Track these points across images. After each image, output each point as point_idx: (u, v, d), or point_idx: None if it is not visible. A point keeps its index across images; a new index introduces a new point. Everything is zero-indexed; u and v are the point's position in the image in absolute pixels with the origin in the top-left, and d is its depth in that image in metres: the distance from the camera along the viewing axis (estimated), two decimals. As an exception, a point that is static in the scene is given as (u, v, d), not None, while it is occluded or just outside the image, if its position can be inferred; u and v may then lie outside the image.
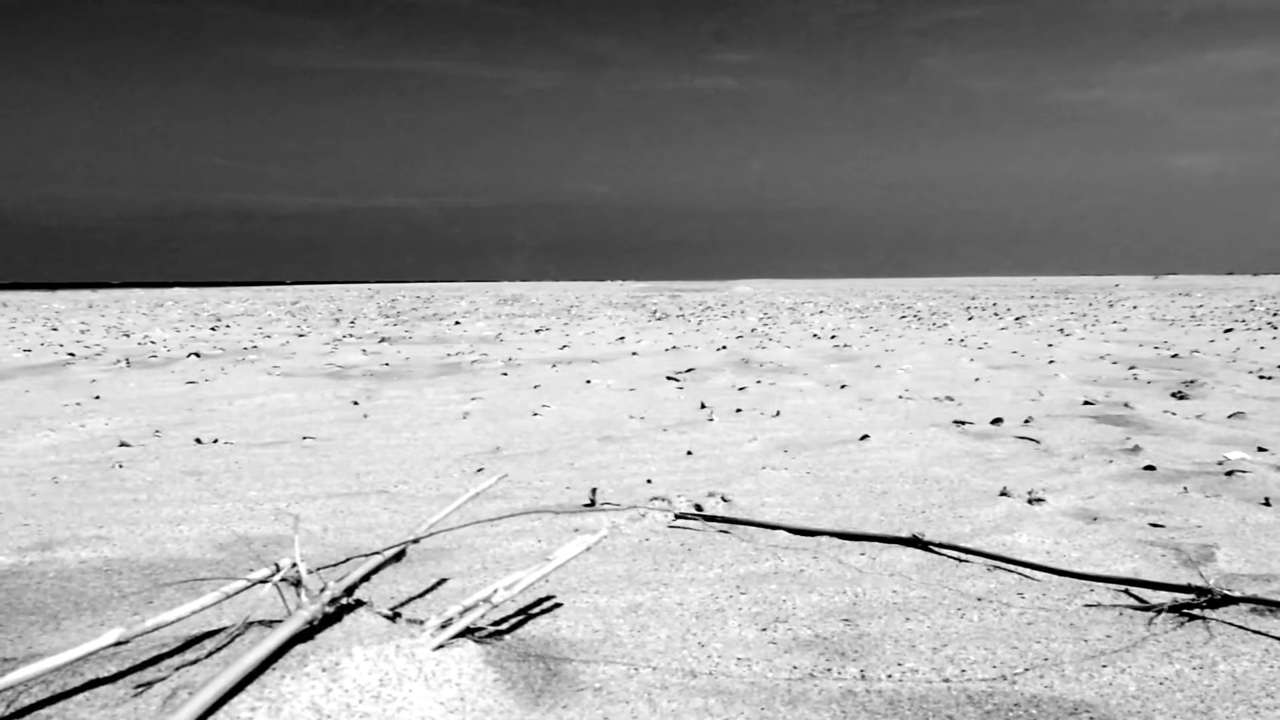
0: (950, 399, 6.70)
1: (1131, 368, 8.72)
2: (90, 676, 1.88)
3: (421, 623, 1.96)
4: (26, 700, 1.75)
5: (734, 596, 2.59)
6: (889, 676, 2.05)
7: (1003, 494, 3.74)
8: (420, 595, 2.59)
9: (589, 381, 8.05)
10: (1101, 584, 2.66)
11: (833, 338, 13.09)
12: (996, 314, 19.29)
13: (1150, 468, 4.21)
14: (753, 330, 14.92)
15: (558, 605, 2.50)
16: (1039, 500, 3.62)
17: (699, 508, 3.54)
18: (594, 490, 3.75)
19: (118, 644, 1.74)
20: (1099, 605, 2.49)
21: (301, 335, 14.61)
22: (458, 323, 18.09)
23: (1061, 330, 14.03)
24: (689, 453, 4.74)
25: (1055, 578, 2.73)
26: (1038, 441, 4.94)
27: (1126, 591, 2.60)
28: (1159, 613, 2.42)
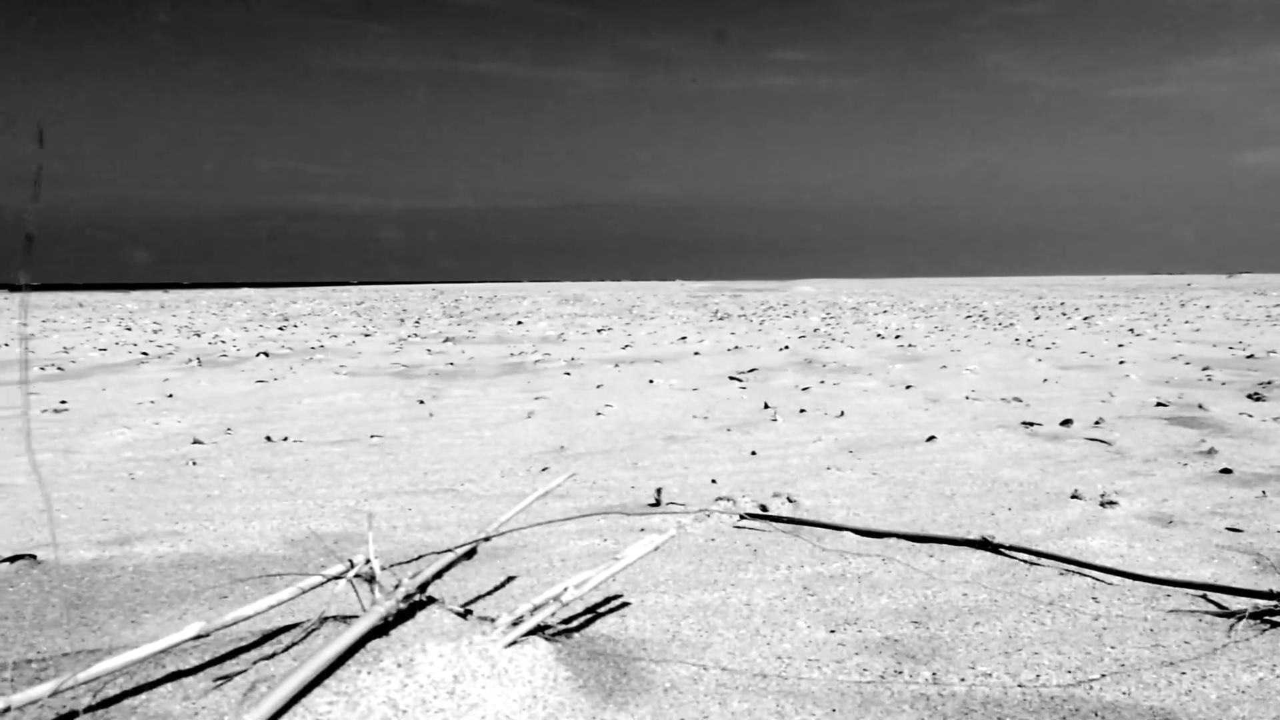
0: (1018, 400, 6.61)
1: (1205, 368, 8.54)
2: (172, 669, 1.92)
3: (492, 620, 1.97)
4: (112, 690, 1.79)
5: (802, 598, 2.58)
6: (961, 680, 2.03)
7: (1074, 497, 3.68)
8: (489, 593, 2.62)
9: (651, 381, 8.06)
10: (1179, 589, 2.61)
11: (897, 338, 12.97)
12: (1064, 314, 18.98)
13: (1227, 471, 4.11)
14: (815, 330, 14.84)
15: (625, 604, 2.51)
16: (1111, 503, 3.56)
17: (764, 508, 3.52)
18: (659, 490, 3.75)
19: (198, 637, 1.77)
20: (1176, 611, 2.44)
21: (367, 335, 14.80)
22: (520, 322, 18.21)
23: (1132, 330, 13.77)
24: (753, 453, 4.72)
25: (1130, 582, 2.68)
26: (1109, 443, 4.85)
27: (1204, 597, 2.54)
28: (1239, 619, 2.37)
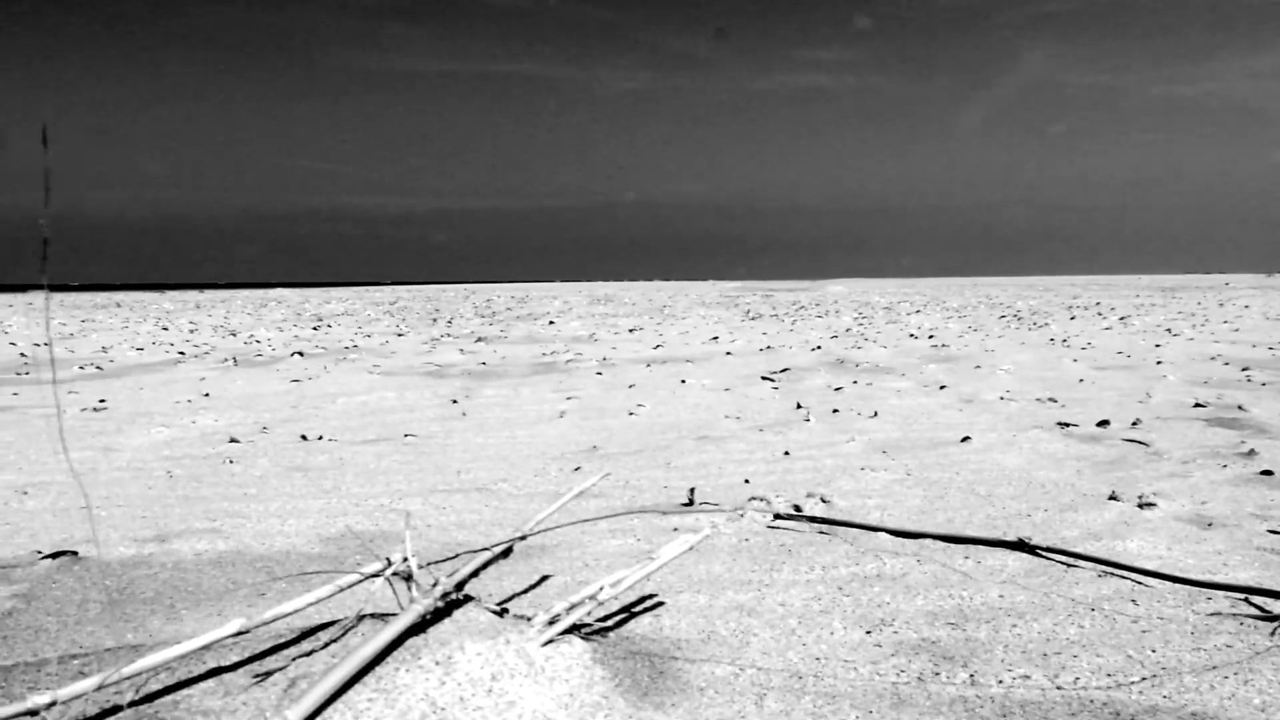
0: (1053, 400, 6.55)
1: (1244, 369, 8.43)
2: (212, 664, 1.94)
3: (529, 619, 1.98)
4: (154, 686, 1.81)
5: (837, 598, 2.57)
6: (999, 682, 2.02)
7: (1111, 498, 3.64)
8: (524, 591, 2.62)
9: (683, 381, 8.06)
10: (1220, 592, 2.58)
11: (930, 337, 12.90)
12: (1100, 313, 18.80)
13: (1268, 472, 4.06)
14: (847, 330, 14.78)
15: (660, 604, 2.51)
16: (1150, 505, 3.52)
17: (798, 508, 3.52)
18: (692, 490, 3.75)
19: (239, 634, 1.79)
20: (1218, 614, 2.41)
21: (400, 335, 14.88)
22: (552, 322, 18.25)
23: (1169, 330, 13.62)
24: (786, 453, 4.71)
25: (1170, 585, 2.65)
26: (1146, 444, 4.80)
27: (1246, 600, 2.51)
28: (1282, 623, 2.34)
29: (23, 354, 11.62)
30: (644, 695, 1.90)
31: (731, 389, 7.53)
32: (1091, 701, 1.91)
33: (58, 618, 2.49)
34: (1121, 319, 16.65)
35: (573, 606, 2.02)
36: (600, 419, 6.03)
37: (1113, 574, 2.75)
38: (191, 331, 16.15)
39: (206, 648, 1.83)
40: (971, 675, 2.05)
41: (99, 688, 1.59)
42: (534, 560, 2.95)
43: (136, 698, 1.75)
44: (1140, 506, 3.51)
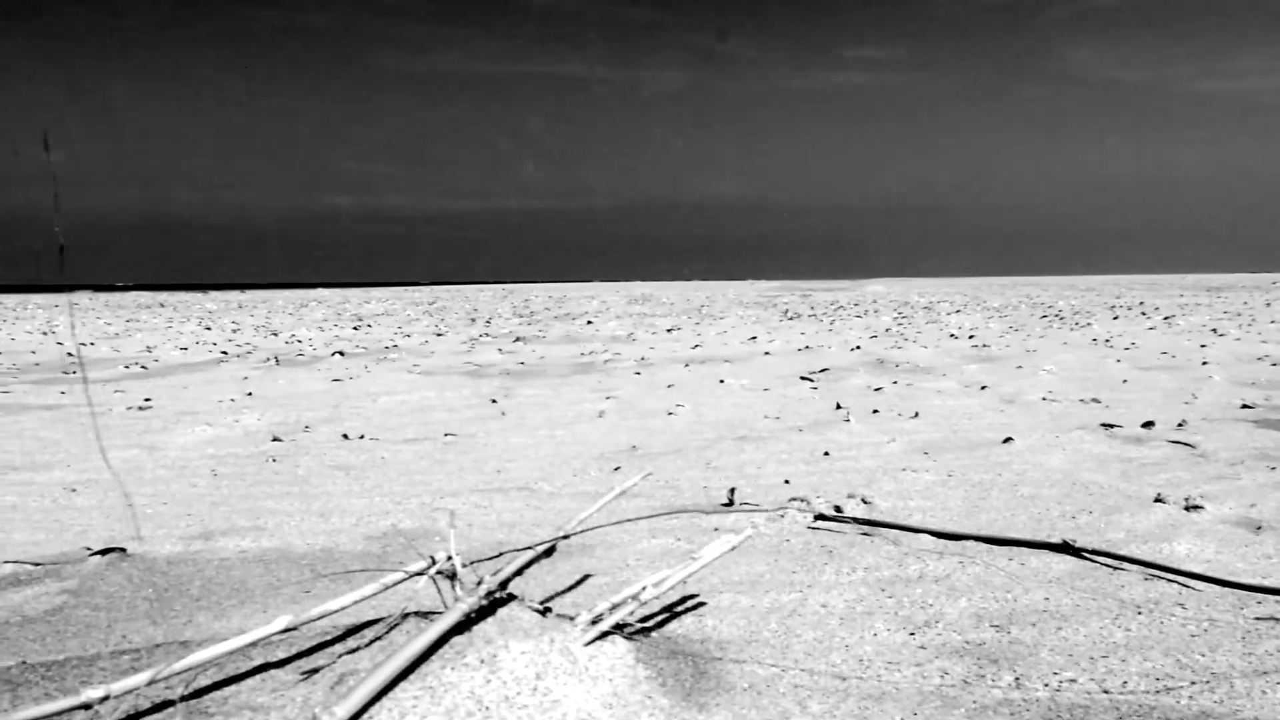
0: (1097, 401, 6.48)
1: (1293, 370, 8.30)
2: (259, 661, 1.96)
3: (572, 618, 1.99)
4: (203, 681, 1.84)
5: (880, 600, 2.56)
6: (1045, 685, 2.00)
7: (1157, 500, 3.60)
8: (566, 590, 2.63)
9: (722, 381, 8.05)
10: (1271, 596, 2.54)
11: (971, 337, 12.80)
12: (1144, 313, 18.57)
13: (1318, 475, 4.00)
14: (887, 330, 14.69)
15: (701, 604, 2.51)
16: (1196, 507, 3.47)
17: (839, 509, 3.50)
18: (732, 490, 3.75)
19: (286, 630, 1.81)
20: (1269, 619, 2.38)
21: (440, 335, 14.97)
22: (590, 322, 18.29)
23: (1214, 330, 13.43)
24: (826, 453, 4.69)
25: (1218, 589, 2.62)
26: (1193, 446, 4.74)
27: (1298, 605, 2.47)
28: (1335, 628, 2.30)
29: (69, 354, 11.79)
30: (687, 696, 1.90)
31: (770, 389, 7.51)
32: (1140, 706, 1.89)
33: (107, 613, 2.52)
34: (1166, 319, 16.44)
35: (615, 606, 2.02)
36: (639, 419, 6.03)
37: (1160, 577, 2.71)
38: (234, 331, 16.33)
39: (254, 644, 1.85)
40: (1017, 678, 2.04)
41: (150, 683, 1.62)
42: (575, 559, 2.96)
43: (186, 692, 1.77)
44: (1187, 509, 3.47)
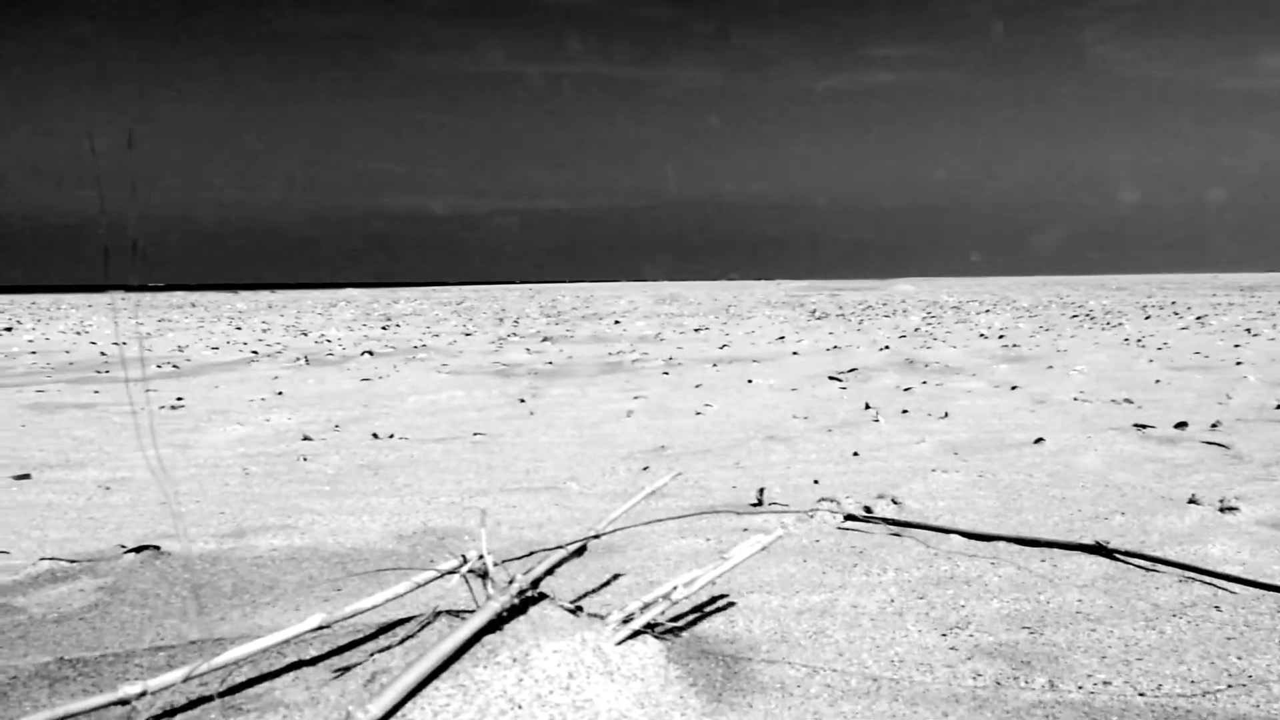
0: (1129, 401, 6.43)
1: (1329, 370, 8.20)
2: (292, 659, 1.98)
3: (603, 617, 1.99)
4: (238, 678, 1.85)
5: (911, 601, 2.54)
6: (1080, 688, 1.98)
7: (1191, 501, 3.56)
8: (596, 590, 2.64)
9: (750, 381, 8.03)
10: (1308, 599, 2.51)
11: (1001, 337, 12.72)
12: (1176, 313, 18.40)
13: (1356, 477, 3.95)
14: (916, 330, 14.62)
15: (731, 604, 2.51)
16: (1232, 509, 3.44)
17: (868, 510, 3.49)
18: (761, 490, 3.74)
19: (319, 628, 1.82)
20: (1306, 621, 2.35)
21: (468, 334, 15.02)
22: (617, 322, 18.30)
23: (1248, 330, 13.28)
24: (855, 454, 4.68)
25: (1254, 591, 2.59)
26: (1227, 447, 4.69)
27: (1336, 608, 2.44)
28: (1374, 631, 2.27)
29: (103, 353, 11.91)
30: (718, 696, 1.90)
31: (799, 389, 7.49)
32: (1176, 709, 1.87)
33: (142, 610, 2.55)
34: (1198, 318, 16.27)
35: (646, 605, 2.02)
36: (667, 419, 6.03)
37: (1195, 579, 2.69)
38: (264, 331, 16.45)
39: (288, 641, 1.86)
40: (1051, 680, 2.02)
41: (186, 679, 1.63)
42: (604, 559, 2.96)
43: (222, 689, 1.79)
44: (1222, 510, 3.43)
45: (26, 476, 4.35)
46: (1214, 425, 5.34)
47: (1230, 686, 1.98)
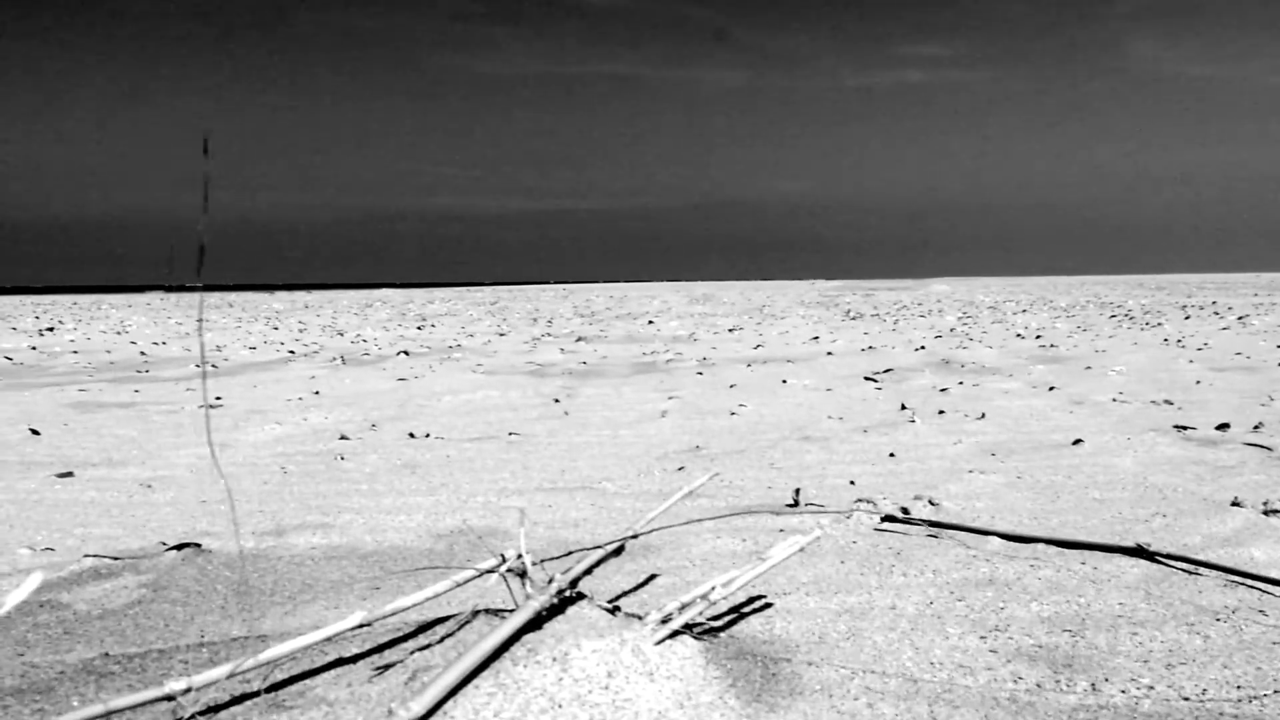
0: (1169, 402, 6.35)
1: (1374, 371, 8.07)
2: (333, 656, 1.99)
3: (641, 617, 1.99)
4: (280, 675, 1.87)
5: (950, 603, 2.53)
6: (1122, 692, 1.96)
7: (1234, 504, 3.52)
8: (632, 590, 2.64)
9: (785, 381, 8.01)
10: (1355, 604, 2.47)
11: (1038, 337, 12.61)
12: (1216, 313, 18.17)
13: (1403, 480, 3.88)
14: (952, 330, 14.53)
15: (769, 605, 2.50)
16: (1275, 512, 3.39)
17: (905, 511, 3.47)
18: (797, 491, 3.73)
19: (360, 626, 1.84)
20: (1354, 626, 2.31)
21: (502, 334, 15.08)
22: (651, 322, 18.31)
23: (1290, 330, 13.10)
24: (891, 455, 4.66)
25: (1301, 595, 2.55)
26: (1270, 449, 4.63)
27: (1384, 613, 2.41)
28: None
29: (143, 353, 12.06)
30: (757, 697, 1.89)
31: (833, 389, 7.46)
32: (1220, 714, 1.85)
33: (185, 607, 2.58)
34: (1240, 318, 16.06)
35: (685, 606, 2.02)
36: (702, 419, 6.03)
37: (1239, 583, 2.65)
38: (301, 331, 16.58)
39: (329, 639, 1.88)
40: (1092, 684, 2.01)
41: (230, 675, 1.65)
42: (641, 559, 2.96)
43: (264, 686, 1.80)
44: (1266, 513, 3.39)
45: (69, 474, 4.41)
46: (1256, 427, 5.27)
47: (1276, 691, 1.95)
